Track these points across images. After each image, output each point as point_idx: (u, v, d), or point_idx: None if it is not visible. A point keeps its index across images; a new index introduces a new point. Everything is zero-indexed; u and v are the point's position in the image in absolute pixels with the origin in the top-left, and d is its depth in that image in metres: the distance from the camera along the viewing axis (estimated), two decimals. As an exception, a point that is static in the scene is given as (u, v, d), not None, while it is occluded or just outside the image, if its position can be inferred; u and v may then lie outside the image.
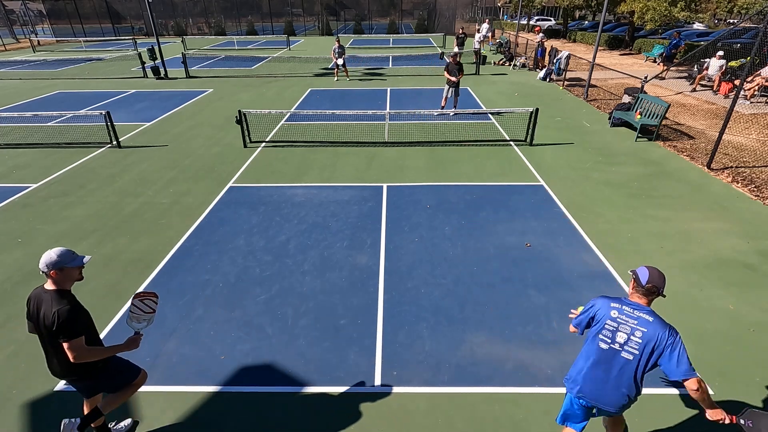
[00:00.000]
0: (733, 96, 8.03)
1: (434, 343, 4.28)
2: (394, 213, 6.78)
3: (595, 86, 15.59)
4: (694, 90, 14.97)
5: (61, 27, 38.53)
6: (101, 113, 9.83)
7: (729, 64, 14.57)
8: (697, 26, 32.01)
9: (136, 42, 24.80)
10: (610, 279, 5.23)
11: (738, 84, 8.09)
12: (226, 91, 15.48)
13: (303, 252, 5.80)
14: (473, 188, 7.62)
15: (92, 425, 3.12)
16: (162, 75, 17.90)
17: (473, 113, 12.00)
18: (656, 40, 22.08)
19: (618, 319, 2.55)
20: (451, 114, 11.64)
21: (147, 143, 10.17)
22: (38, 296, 2.73)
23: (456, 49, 20.57)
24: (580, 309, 2.85)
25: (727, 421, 2.50)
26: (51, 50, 28.89)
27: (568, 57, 16.04)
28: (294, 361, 4.10)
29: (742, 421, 2.51)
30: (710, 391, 2.54)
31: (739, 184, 7.69)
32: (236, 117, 9.63)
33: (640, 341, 2.47)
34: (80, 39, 34.26)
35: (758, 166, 8.42)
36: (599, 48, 20.98)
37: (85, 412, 3.21)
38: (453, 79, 11.37)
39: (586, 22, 37.30)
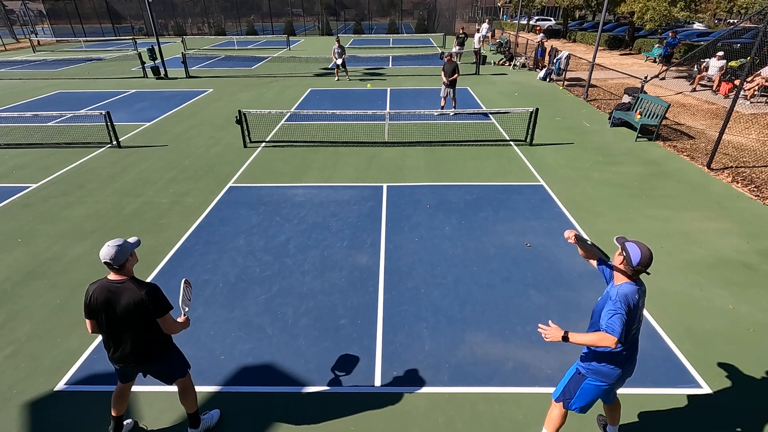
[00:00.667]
0: (733, 96, 8.03)
1: (434, 343, 4.28)
2: (394, 213, 6.78)
3: (595, 86, 15.59)
4: (694, 90, 14.97)
5: (61, 27, 38.55)
6: (101, 113, 9.83)
7: (729, 64, 14.57)
8: (697, 26, 32.02)
9: (136, 42, 24.79)
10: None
11: (738, 84, 8.09)
12: (226, 91, 15.48)
13: (303, 252, 5.80)
14: (473, 188, 7.62)
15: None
16: (162, 75, 17.91)
17: (473, 113, 12.00)
18: (656, 41, 22.07)
19: (639, 304, 2.63)
20: (451, 114, 11.64)
21: (147, 143, 10.17)
22: (107, 288, 2.77)
23: (455, 49, 20.59)
24: (552, 325, 2.72)
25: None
26: (51, 50, 28.91)
27: (568, 57, 16.04)
28: (294, 361, 4.10)
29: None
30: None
31: (739, 184, 7.69)
32: (236, 117, 9.63)
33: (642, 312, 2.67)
34: (80, 39, 34.28)
35: (758, 166, 8.42)
36: (599, 48, 20.98)
37: (114, 413, 3.28)
38: (445, 80, 11.48)
39: (587, 22, 37.29)
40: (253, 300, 4.92)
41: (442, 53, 20.92)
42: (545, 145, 9.73)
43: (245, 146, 9.77)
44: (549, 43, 20.22)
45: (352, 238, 6.11)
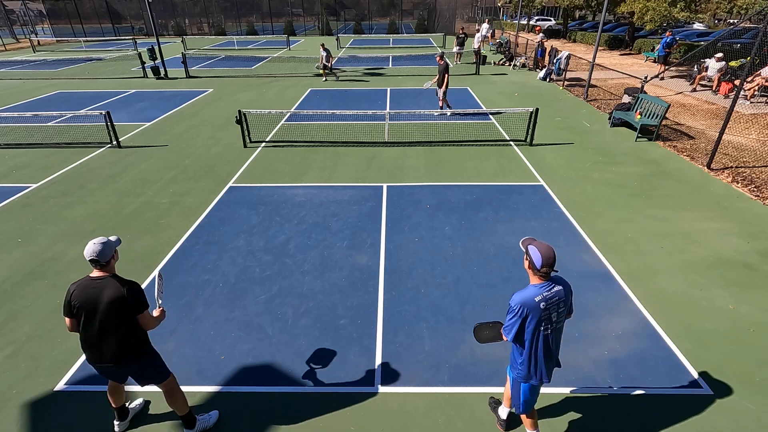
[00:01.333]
0: (733, 96, 8.03)
1: (434, 343, 4.28)
2: (394, 213, 6.78)
3: (595, 86, 15.59)
4: (694, 90, 14.97)
5: (61, 27, 38.54)
6: (101, 113, 9.83)
7: (729, 64, 14.56)
8: (697, 26, 32.02)
9: (136, 42, 24.81)
10: (610, 279, 5.22)
11: (738, 84, 8.09)
12: (226, 91, 15.48)
13: (303, 252, 5.80)
14: (473, 188, 7.62)
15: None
16: (162, 75, 17.91)
17: (473, 113, 12.00)
18: (656, 41, 22.08)
19: (548, 305, 2.70)
20: (449, 114, 11.67)
21: (147, 143, 10.17)
22: (89, 285, 2.83)
23: (455, 49, 20.59)
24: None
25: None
26: (51, 50, 28.90)
27: (568, 57, 16.04)
28: (294, 361, 4.10)
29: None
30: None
31: (739, 184, 7.69)
32: (236, 117, 9.63)
33: (563, 309, 2.77)
34: (80, 39, 34.29)
35: (758, 166, 8.42)
36: (599, 48, 20.98)
37: (114, 405, 3.36)
38: (433, 80, 11.71)
39: (587, 22, 37.30)
40: (253, 300, 4.92)
41: (442, 53, 20.94)
42: (545, 145, 9.73)
43: (245, 146, 9.77)
44: (549, 43, 20.22)
45: (352, 238, 6.11)
